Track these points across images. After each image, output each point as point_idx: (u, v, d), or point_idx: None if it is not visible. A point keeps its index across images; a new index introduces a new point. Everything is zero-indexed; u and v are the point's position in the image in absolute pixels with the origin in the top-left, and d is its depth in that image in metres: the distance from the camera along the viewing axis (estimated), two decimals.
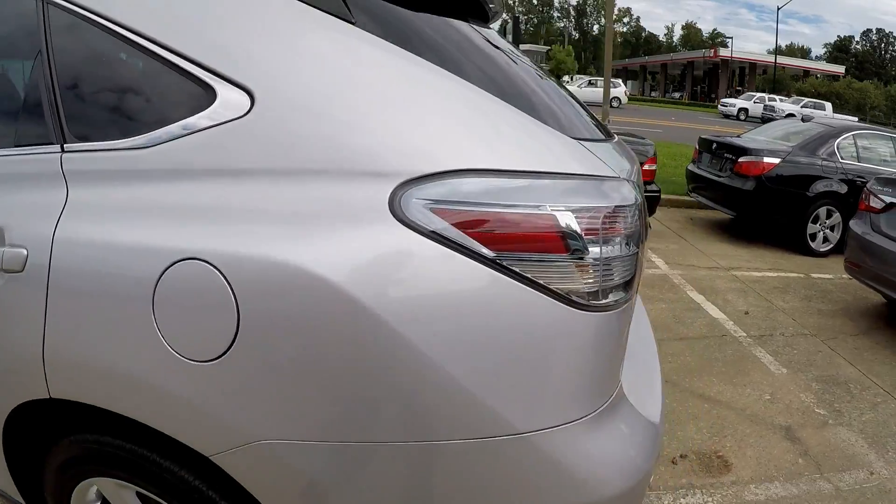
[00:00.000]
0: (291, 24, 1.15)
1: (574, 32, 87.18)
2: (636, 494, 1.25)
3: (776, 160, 6.35)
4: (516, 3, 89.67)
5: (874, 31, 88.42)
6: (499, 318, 1.04)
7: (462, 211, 1.03)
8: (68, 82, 1.25)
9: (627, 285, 1.19)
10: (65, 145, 1.22)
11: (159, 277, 1.06)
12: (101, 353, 1.12)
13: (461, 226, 1.03)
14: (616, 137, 1.76)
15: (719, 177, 6.90)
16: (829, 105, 33.00)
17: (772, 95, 35.48)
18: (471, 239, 1.03)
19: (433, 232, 1.02)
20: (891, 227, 4.22)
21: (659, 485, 2.55)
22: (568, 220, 1.07)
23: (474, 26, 1.45)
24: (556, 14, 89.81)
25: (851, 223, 4.70)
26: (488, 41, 1.42)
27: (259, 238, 1.03)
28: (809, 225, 6.43)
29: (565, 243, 1.07)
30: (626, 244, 1.16)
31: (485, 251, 1.03)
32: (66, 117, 1.23)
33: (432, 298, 1.02)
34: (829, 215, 6.46)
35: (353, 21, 1.15)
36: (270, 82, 1.10)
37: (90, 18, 1.21)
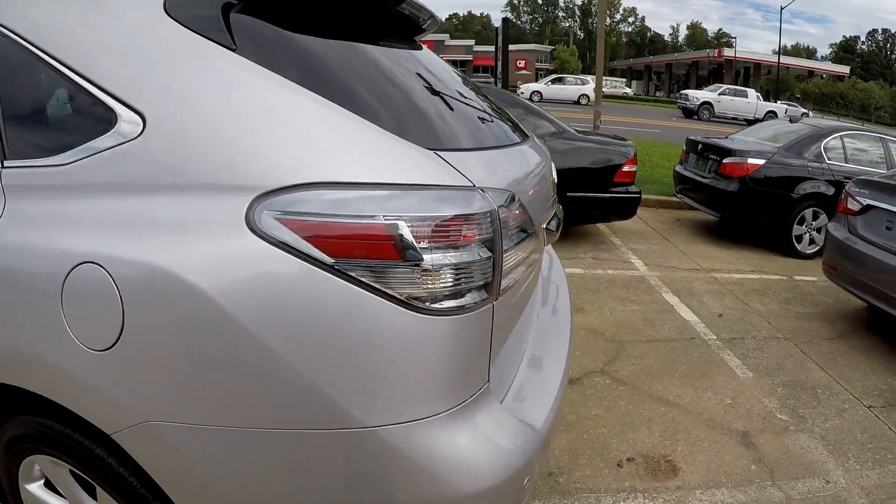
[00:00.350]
0: (178, 52, 1.28)
1: (579, 32, 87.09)
2: (499, 495, 1.29)
3: (761, 161, 6.26)
4: (521, 3, 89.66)
5: (880, 32, 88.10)
6: (340, 320, 1.15)
7: (305, 221, 1.14)
8: (8, 107, 1.41)
9: (485, 289, 1.27)
10: (5, 161, 1.38)
11: (66, 277, 1.22)
12: (25, 341, 1.30)
13: (304, 235, 1.14)
14: (529, 140, 1.98)
15: (704, 178, 6.80)
16: (751, 91, 31.79)
17: (715, 87, 32.67)
18: (312, 247, 1.13)
19: (280, 241, 1.13)
20: (867, 230, 4.14)
21: (600, 487, 2.48)
22: (401, 229, 1.16)
23: (383, 45, 1.61)
24: (560, 14, 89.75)
25: (829, 225, 4.61)
26: (384, 61, 1.55)
27: (142, 245, 1.18)
28: (795, 227, 6.33)
29: (398, 250, 1.16)
30: (475, 250, 1.23)
31: (325, 258, 1.14)
32: (6, 138, 1.39)
33: (277, 300, 1.13)
34: (815, 217, 6.36)
35: (233, 48, 1.28)
36: (158, 106, 1.24)
37: (30, 51, 1.35)
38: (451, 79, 1.85)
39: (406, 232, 1.15)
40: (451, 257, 1.20)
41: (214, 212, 1.16)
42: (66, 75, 1.30)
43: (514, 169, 1.59)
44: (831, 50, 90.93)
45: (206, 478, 1.24)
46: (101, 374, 1.22)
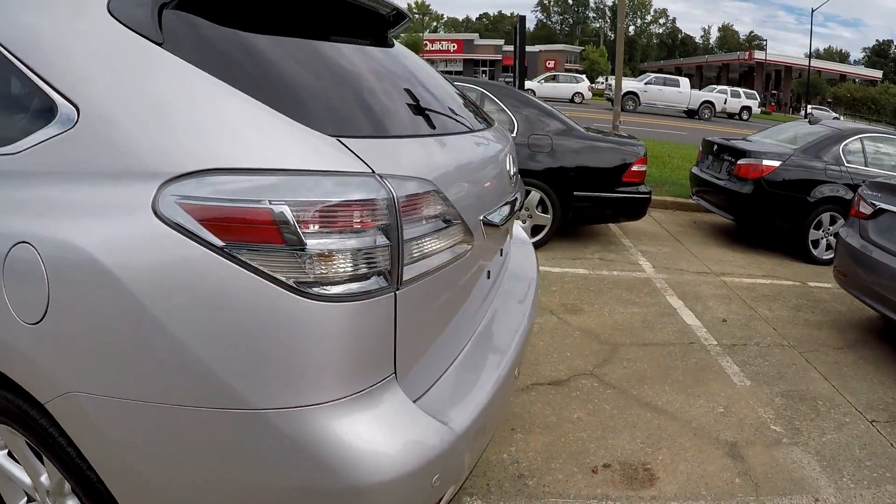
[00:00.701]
0: (114, 48, 1.33)
1: (610, 33, 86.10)
2: (399, 489, 1.26)
3: (776, 163, 6.02)
4: (552, 3, 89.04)
5: None
6: (228, 302, 1.16)
7: (199, 205, 1.17)
8: None
9: (384, 277, 1.26)
10: None
11: (6, 256, 1.31)
12: None
13: (198, 218, 1.16)
14: (486, 131, 2.02)
15: (719, 180, 6.59)
16: (684, 80, 29.58)
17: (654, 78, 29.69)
18: (205, 230, 1.16)
19: (177, 224, 1.17)
20: (879, 235, 3.92)
21: (570, 493, 2.35)
22: (285, 214, 1.16)
23: (333, 40, 1.67)
24: (591, 14, 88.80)
25: (840, 230, 4.39)
26: (313, 54, 1.56)
27: (65, 227, 1.25)
28: (811, 231, 6.09)
29: (282, 235, 1.17)
30: (368, 237, 1.23)
31: (216, 241, 1.16)
32: None
33: (173, 280, 1.17)
34: (832, 221, 6.10)
35: (160, 43, 1.32)
36: (90, 99, 1.30)
37: None
38: (406, 72, 1.88)
39: (289, 217, 1.16)
40: (338, 243, 1.20)
41: (128, 196, 1.21)
42: (22, 71, 1.38)
43: (447, 157, 1.60)
44: (864, 54, 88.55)
45: (119, 448, 1.29)
46: (33, 345, 1.30)
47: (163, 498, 1.32)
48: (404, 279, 1.30)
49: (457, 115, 1.91)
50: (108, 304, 1.20)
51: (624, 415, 2.97)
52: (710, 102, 27.82)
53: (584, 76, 31.82)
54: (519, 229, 2.93)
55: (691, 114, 27.71)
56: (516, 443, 2.67)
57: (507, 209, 1.90)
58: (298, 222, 1.16)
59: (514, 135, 5.68)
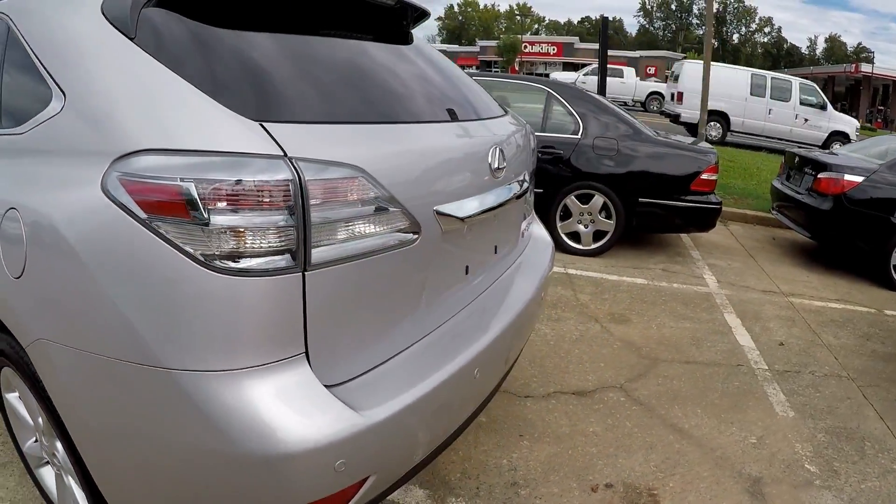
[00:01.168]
0: (99, 42, 1.46)
1: (714, 41, 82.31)
2: (292, 466, 1.28)
3: (859, 178, 5.51)
4: (654, 9, 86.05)
5: None
6: (147, 267, 1.27)
7: (131, 181, 1.28)
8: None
9: (290, 256, 1.30)
10: None
11: (2, 218, 1.53)
12: None
13: (129, 192, 1.28)
14: (474, 122, 2.04)
15: (798, 194, 6.11)
16: (629, 70, 27.27)
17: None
18: (133, 203, 1.27)
19: (114, 197, 1.29)
20: None
21: None
22: (191, 191, 1.23)
23: (321, 34, 1.77)
24: (694, 21, 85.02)
25: None
26: (284, 44, 1.66)
27: (41, 196, 1.44)
28: (894, 254, 5.53)
29: (188, 210, 1.24)
30: (269, 216, 1.27)
31: (140, 213, 1.26)
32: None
33: (109, 245, 1.30)
34: None
35: (132, 37, 1.43)
36: (75, 86, 1.45)
37: (18, 43, 1.67)
38: (396, 64, 1.96)
39: (195, 193, 1.23)
40: (241, 221, 1.26)
41: (88, 173, 1.34)
42: (33, 62, 1.58)
43: (393, 145, 1.59)
44: None
45: (68, 391, 1.46)
46: (15, 297, 1.51)
47: (97, 442, 1.45)
48: (313, 261, 1.33)
49: (444, 105, 1.97)
50: (63, 264, 1.37)
51: (644, 434, 2.78)
52: (659, 93, 26.19)
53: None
54: (540, 230, 2.82)
55: (644, 106, 26.94)
56: (520, 449, 2.56)
57: (474, 203, 1.80)
58: (203, 199, 1.24)
59: (578, 136, 5.49)
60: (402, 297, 1.63)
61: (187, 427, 1.28)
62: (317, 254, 1.33)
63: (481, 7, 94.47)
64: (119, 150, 1.30)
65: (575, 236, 5.64)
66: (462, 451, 2.52)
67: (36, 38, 1.61)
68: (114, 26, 1.45)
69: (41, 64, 1.54)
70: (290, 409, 1.30)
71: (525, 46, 58.26)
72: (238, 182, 1.24)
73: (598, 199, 5.45)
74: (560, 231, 5.61)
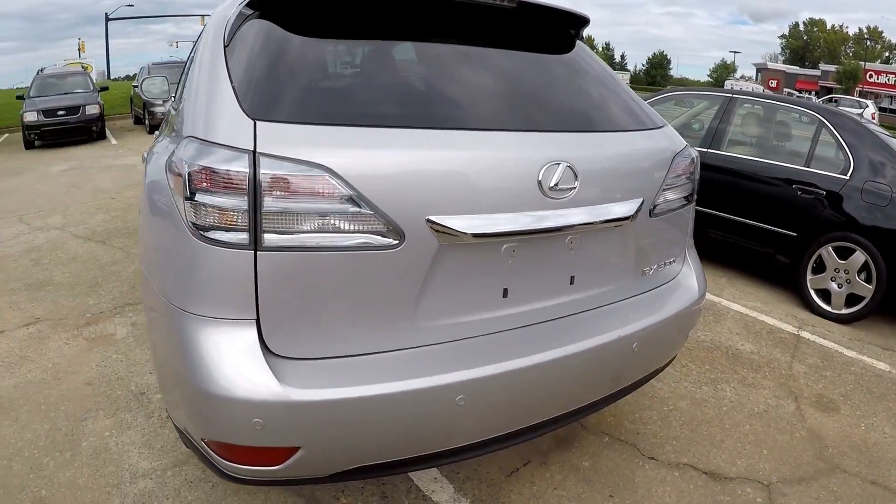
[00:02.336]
0: (213, 60, 1.80)
1: None
2: (213, 405, 1.52)
3: None
4: None
5: None
6: (171, 227, 1.63)
7: (171, 162, 1.68)
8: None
9: (245, 234, 1.49)
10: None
11: (155, 181, 1.94)
12: None
13: (168, 171, 1.70)
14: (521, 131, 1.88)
15: None
16: None
17: None
18: (171, 180, 1.67)
19: (169, 170, 1.69)
20: None
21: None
22: (184, 171, 1.53)
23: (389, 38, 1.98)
24: None
25: None
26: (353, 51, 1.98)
27: (157, 160, 1.98)
28: None
29: (183, 187, 1.54)
30: (226, 199, 1.49)
31: (174, 188, 1.64)
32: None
33: (160, 206, 1.75)
34: None
35: (226, 45, 1.78)
36: (189, 89, 1.90)
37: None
38: (456, 68, 2.00)
39: (185, 174, 1.52)
40: (209, 199, 1.50)
41: (172, 149, 1.74)
42: (195, 75, 1.92)
43: (387, 151, 1.61)
44: None
45: (144, 307, 2.02)
46: (141, 229, 2.11)
47: (149, 331, 2.04)
48: (265, 244, 1.50)
49: (492, 113, 1.91)
50: (143, 215, 1.99)
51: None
52: None
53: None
54: (688, 275, 2.40)
55: None
56: None
57: (499, 221, 1.70)
58: (190, 179, 1.51)
59: (846, 177, 4.49)
60: (381, 301, 1.64)
61: (170, 345, 1.63)
62: (270, 238, 1.50)
63: (828, 28, 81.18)
64: (183, 135, 1.67)
65: (825, 295, 4.69)
66: (537, 486, 2.36)
67: (196, 60, 2.01)
68: (223, 33, 1.82)
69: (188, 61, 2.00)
70: (226, 361, 1.52)
71: (869, 75, 48.35)
72: (206, 168, 1.49)
73: (859, 257, 4.42)
74: (809, 286, 4.73)
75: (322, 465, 1.69)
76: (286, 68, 1.71)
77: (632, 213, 1.95)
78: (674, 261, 2.35)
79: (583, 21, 2.24)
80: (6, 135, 17.25)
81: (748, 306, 4.61)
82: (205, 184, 1.49)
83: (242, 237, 1.49)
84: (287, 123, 1.56)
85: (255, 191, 1.47)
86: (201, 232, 1.51)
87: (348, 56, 1.84)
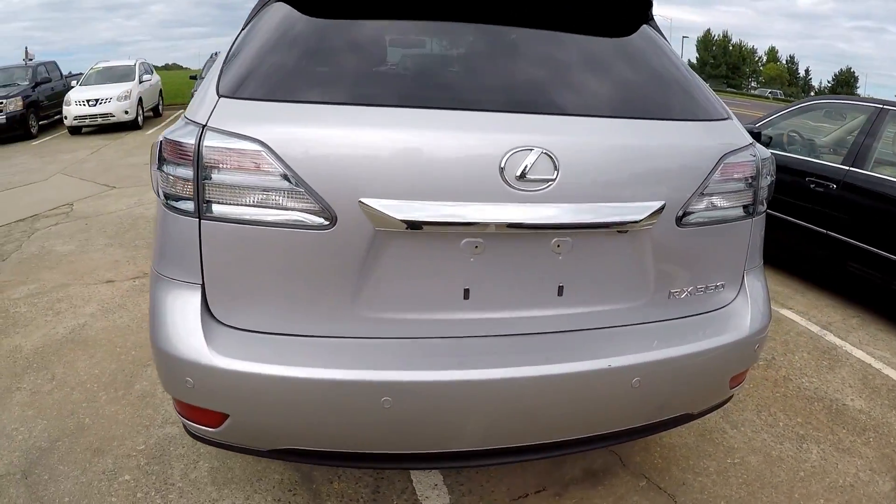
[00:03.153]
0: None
1: None
2: (156, 353, 1.60)
3: None
4: None
5: None
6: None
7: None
8: None
9: (192, 203, 1.51)
10: None
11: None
12: None
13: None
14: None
15: None
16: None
17: None
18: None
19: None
20: None
21: None
22: (160, 144, 1.58)
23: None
24: None
25: None
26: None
27: None
28: None
29: (154, 159, 1.62)
30: (179, 169, 1.53)
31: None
32: None
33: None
34: None
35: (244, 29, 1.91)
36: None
37: None
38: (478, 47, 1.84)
39: (157, 145, 1.59)
40: (167, 169, 1.55)
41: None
42: None
43: (330, 128, 1.52)
44: None
45: None
46: None
47: None
48: (205, 213, 1.51)
49: (470, 93, 1.69)
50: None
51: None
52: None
53: None
54: (742, 310, 1.90)
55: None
56: None
57: (428, 209, 1.49)
58: (160, 151, 1.56)
59: None
60: (316, 283, 1.55)
61: (152, 296, 1.66)
62: (212, 208, 1.51)
63: None
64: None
65: None
66: None
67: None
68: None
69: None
70: (171, 319, 1.56)
71: None
72: (170, 140, 1.54)
73: None
74: None
75: (254, 437, 1.65)
76: (256, 49, 1.69)
77: (642, 217, 1.60)
78: (722, 286, 1.88)
79: None
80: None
81: (875, 355, 3.80)
82: (167, 155, 1.55)
83: (190, 206, 1.52)
84: (245, 100, 1.55)
85: (198, 162, 1.48)
86: (167, 200, 1.57)
87: (311, 34, 1.72)
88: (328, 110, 1.53)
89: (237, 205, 1.50)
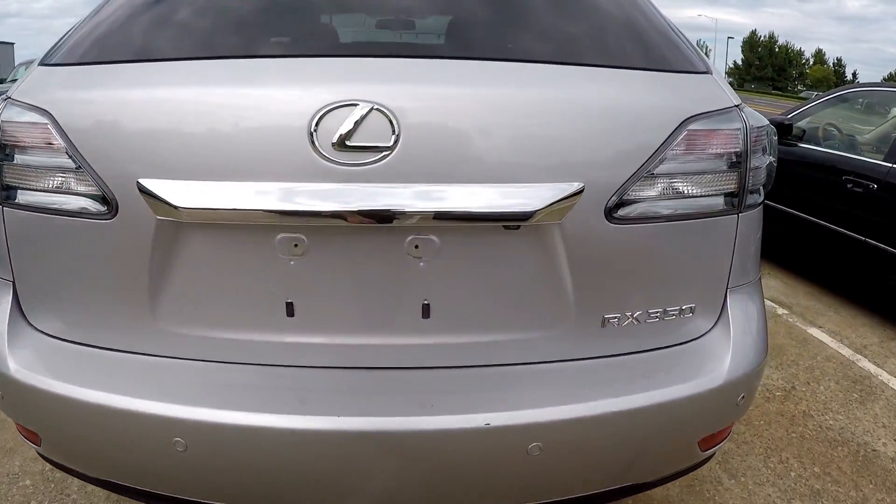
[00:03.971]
0: None
1: None
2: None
3: None
4: None
5: None
6: None
7: None
8: None
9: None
10: None
11: None
12: None
13: None
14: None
15: None
16: None
17: None
18: None
19: None
20: None
21: None
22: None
23: None
24: None
25: None
26: None
27: None
28: None
29: None
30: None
31: None
32: None
33: None
34: None
35: None
36: None
37: None
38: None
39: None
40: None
41: None
42: None
43: (125, 90, 1.22)
44: None
45: None
46: None
47: None
48: (7, 199, 1.25)
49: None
50: None
51: None
52: None
53: None
54: (719, 345, 1.33)
55: None
56: None
57: (218, 193, 1.11)
58: None
59: None
60: (111, 286, 1.27)
61: None
62: (11, 193, 1.25)
63: None
64: None
65: None
66: None
67: None
68: None
69: None
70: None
71: None
72: None
73: None
74: None
75: (74, 462, 1.40)
76: (97, 15, 1.42)
77: (540, 207, 1.09)
78: (690, 311, 1.32)
79: None
80: None
81: None
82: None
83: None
84: (53, 66, 1.30)
85: (1, 140, 1.23)
86: None
87: None
88: (121, 70, 1.26)
89: (35, 190, 1.24)
